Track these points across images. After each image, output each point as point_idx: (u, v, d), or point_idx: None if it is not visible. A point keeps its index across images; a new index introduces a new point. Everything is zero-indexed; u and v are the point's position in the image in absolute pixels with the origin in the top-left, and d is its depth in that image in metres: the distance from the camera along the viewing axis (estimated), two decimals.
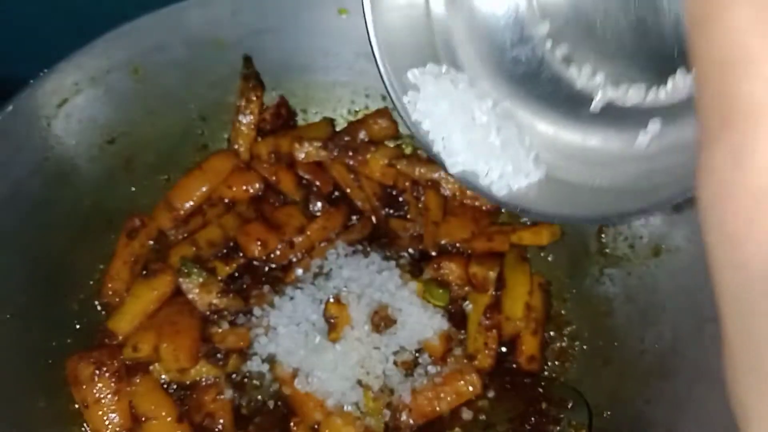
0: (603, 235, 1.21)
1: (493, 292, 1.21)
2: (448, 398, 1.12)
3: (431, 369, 1.15)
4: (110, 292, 1.16)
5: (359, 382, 1.12)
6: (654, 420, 1.01)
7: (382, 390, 1.12)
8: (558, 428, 1.02)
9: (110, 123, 1.20)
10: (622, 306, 1.16)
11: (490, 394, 1.13)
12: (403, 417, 1.11)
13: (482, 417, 1.11)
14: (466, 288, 1.23)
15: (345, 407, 1.10)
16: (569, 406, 1.04)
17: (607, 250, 1.20)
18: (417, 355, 1.16)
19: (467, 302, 1.21)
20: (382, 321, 1.14)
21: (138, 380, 1.08)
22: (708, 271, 0.43)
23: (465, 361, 1.16)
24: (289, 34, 1.29)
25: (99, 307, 1.18)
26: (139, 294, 1.15)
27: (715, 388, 0.94)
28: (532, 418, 1.04)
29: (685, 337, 1.04)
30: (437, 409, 1.12)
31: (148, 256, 1.22)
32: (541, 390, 1.08)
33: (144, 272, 1.20)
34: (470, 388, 1.12)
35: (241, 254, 1.25)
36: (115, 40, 1.17)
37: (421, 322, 1.16)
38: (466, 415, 1.11)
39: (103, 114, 1.19)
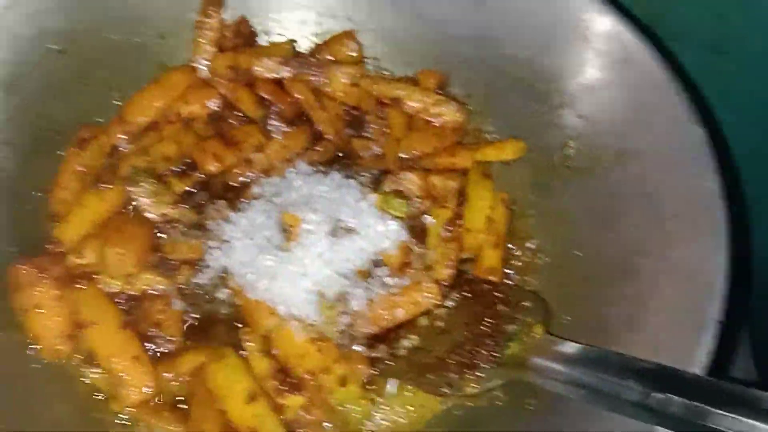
0: (569, 149, 1.17)
1: (455, 207, 1.18)
2: (406, 308, 1.08)
3: (389, 281, 1.11)
4: (58, 201, 1.12)
5: (314, 292, 1.07)
6: (615, 318, 0.98)
7: (338, 299, 1.08)
8: (514, 326, 0.98)
9: (62, 31, 1.17)
10: (585, 216, 1.13)
11: (449, 303, 1.09)
12: (358, 325, 1.08)
13: (439, 323, 1.07)
14: (426, 202, 1.19)
15: (298, 315, 1.06)
16: (526, 307, 1.01)
17: (571, 163, 1.17)
18: (375, 266, 1.12)
19: (427, 216, 1.17)
20: (339, 230, 1.11)
21: (81, 287, 1.04)
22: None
23: (424, 273, 1.12)
24: None
25: (47, 220, 1.13)
26: (87, 204, 1.11)
27: (678, 280, 0.93)
28: (490, 320, 1.01)
29: (647, 236, 1.01)
30: (394, 318, 1.08)
31: (99, 171, 1.18)
32: (498, 295, 1.04)
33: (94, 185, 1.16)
34: (428, 299, 1.08)
35: (197, 171, 1.21)
36: None
37: (378, 231, 1.12)
38: (423, 321, 1.08)
39: (53, 21, 1.15)
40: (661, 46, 1.09)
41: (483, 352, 0.96)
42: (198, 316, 1.10)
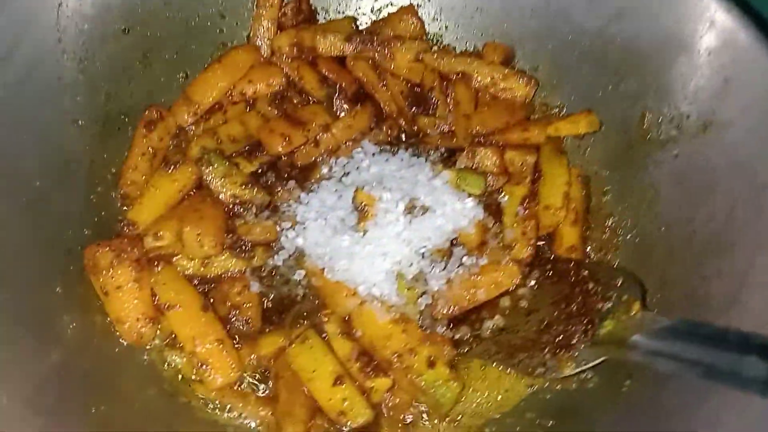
0: (645, 122, 1.14)
1: (530, 184, 1.15)
2: (486, 289, 1.06)
3: (467, 260, 1.08)
4: (128, 182, 1.11)
5: (393, 272, 1.05)
6: (713, 295, 0.95)
7: (417, 279, 1.06)
8: (608, 304, 0.95)
9: (125, 11, 1.14)
10: (669, 190, 1.10)
11: (531, 282, 1.06)
12: (439, 306, 1.05)
13: (523, 304, 1.04)
14: (502, 178, 1.16)
15: (379, 295, 1.03)
16: (618, 284, 0.98)
17: (650, 136, 1.13)
18: (453, 245, 1.09)
19: (503, 194, 1.14)
20: (415, 208, 1.08)
21: (160, 270, 1.02)
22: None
23: (503, 252, 1.10)
24: None
25: (118, 202, 1.12)
26: (159, 185, 1.09)
27: None
28: (579, 298, 0.98)
29: (741, 210, 0.97)
30: (475, 299, 1.06)
31: (167, 151, 1.16)
32: (586, 272, 1.02)
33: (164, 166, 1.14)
34: (509, 279, 1.06)
35: (264, 152, 1.19)
36: None
37: (455, 210, 1.09)
38: (505, 302, 1.05)
39: (119, 1, 1.12)
40: (746, 6, 1.04)
41: (578, 331, 0.94)
42: (276, 299, 1.07)
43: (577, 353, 0.93)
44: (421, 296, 1.06)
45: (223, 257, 1.07)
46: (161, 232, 1.04)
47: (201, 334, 0.98)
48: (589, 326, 0.94)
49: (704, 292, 0.97)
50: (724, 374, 0.76)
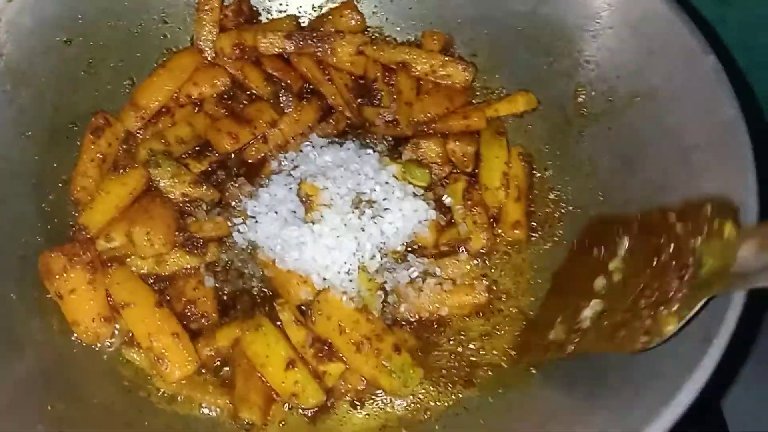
0: (579, 97, 1.18)
1: (469, 176, 1.19)
2: (450, 308, 1.10)
3: (438, 271, 1.12)
4: (79, 188, 1.13)
5: (350, 264, 1.08)
6: None
7: (378, 272, 1.09)
8: (698, 240, 0.82)
9: (66, 22, 1.16)
10: (605, 161, 1.14)
11: (621, 252, 0.94)
12: (403, 309, 1.08)
13: (617, 277, 0.93)
14: (447, 167, 1.20)
15: (338, 285, 1.06)
16: (708, 213, 0.82)
17: (585, 110, 1.18)
18: (408, 251, 1.14)
19: (445, 196, 1.18)
20: (362, 203, 1.11)
21: (113, 270, 1.05)
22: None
23: (461, 249, 1.14)
24: None
25: (70, 208, 1.14)
26: (109, 189, 1.12)
27: None
28: (671, 246, 0.85)
29: (671, 173, 1.01)
30: (436, 314, 1.10)
31: (117, 156, 1.18)
32: (673, 217, 0.88)
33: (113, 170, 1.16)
34: (476, 300, 1.10)
35: (213, 151, 1.21)
36: None
37: (407, 211, 1.12)
38: (599, 283, 0.95)
39: (57, 12, 1.15)
40: None
41: (672, 279, 0.82)
42: (231, 292, 1.10)
43: (677, 305, 0.81)
44: (380, 290, 1.08)
45: (177, 255, 1.09)
46: (112, 234, 1.06)
47: (156, 329, 1.00)
48: (683, 271, 0.82)
49: None
50: None
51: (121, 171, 1.14)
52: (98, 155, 1.15)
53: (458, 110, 1.25)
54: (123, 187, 1.11)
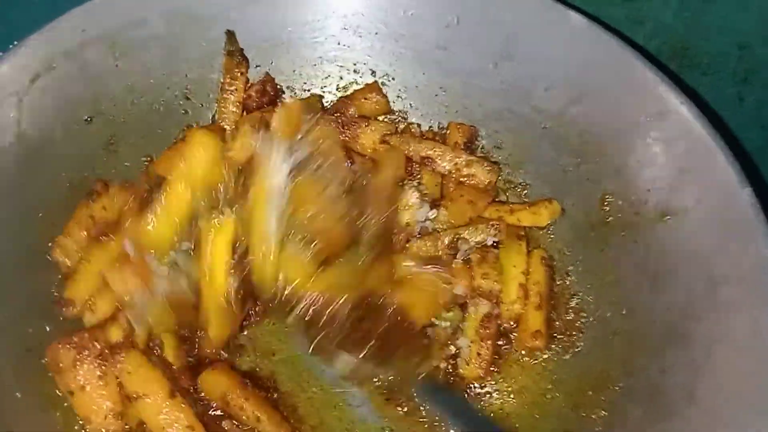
0: (606, 205, 1.16)
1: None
2: None
3: None
4: (58, 248, 1.08)
5: None
6: (671, 388, 0.97)
7: None
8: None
9: (87, 101, 1.14)
10: (630, 274, 1.11)
11: None
12: None
13: None
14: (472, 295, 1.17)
15: None
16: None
17: (610, 218, 1.16)
18: None
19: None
20: None
21: (123, 357, 1.01)
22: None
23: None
24: (273, 7, 1.24)
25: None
26: (91, 258, 1.07)
27: (734, 349, 0.91)
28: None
29: (698, 301, 0.99)
30: None
31: (106, 223, 1.14)
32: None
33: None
34: None
35: None
36: (89, 12, 1.11)
37: None
38: None
39: (79, 91, 1.13)
40: (700, 102, 1.08)
41: None
42: None
43: None
44: None
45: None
46: (95, 305, 1.04)
47: (170, 422, 0.98)
48: None
49: (663, 385, 0.98)
50: None
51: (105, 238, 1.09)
52: (87, 218, 1.10)
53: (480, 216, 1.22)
54: (105, 255, 1.07)
